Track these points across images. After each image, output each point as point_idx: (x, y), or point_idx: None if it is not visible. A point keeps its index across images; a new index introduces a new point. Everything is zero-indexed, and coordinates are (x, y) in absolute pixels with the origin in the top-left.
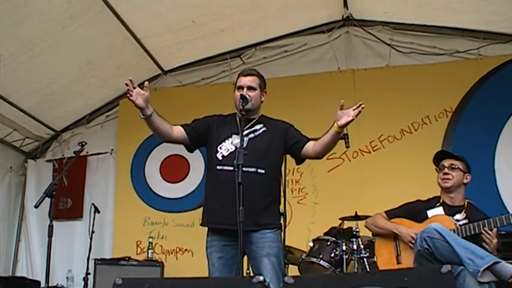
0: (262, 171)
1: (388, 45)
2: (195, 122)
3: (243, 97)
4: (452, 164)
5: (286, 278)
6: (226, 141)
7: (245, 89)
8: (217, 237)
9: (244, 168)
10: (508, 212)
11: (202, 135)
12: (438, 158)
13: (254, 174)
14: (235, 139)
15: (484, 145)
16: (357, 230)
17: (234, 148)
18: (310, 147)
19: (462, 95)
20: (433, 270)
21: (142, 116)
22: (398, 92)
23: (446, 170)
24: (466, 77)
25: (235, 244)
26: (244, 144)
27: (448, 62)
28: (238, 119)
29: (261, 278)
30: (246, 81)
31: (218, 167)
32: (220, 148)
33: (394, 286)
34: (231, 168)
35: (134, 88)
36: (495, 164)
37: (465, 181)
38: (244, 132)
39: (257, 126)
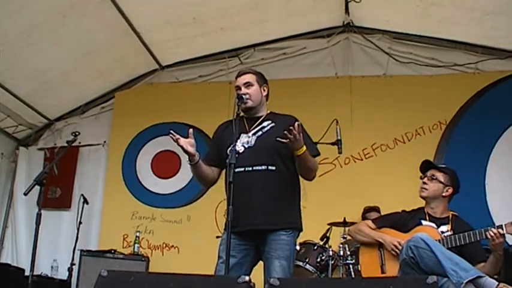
0: (273, 167)
1: (387, 53)
2: (210, 149)
3: (239, 97)
4: (432, 175)
5: (271, 279)
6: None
7: (242, 88)
8: (232, 236)
9: (254, 167)
10: (495, 225)
11: (221, 151)
12: (424, 168)
13: (265, 172)
14: (244, 138)
15: (476, 160)
16: (345, 236)
17: (243, 148)
18: None
19: (457, 108)
20: (418, 280)
21: (190, 163)
22: (394, 101)
23: (425, 180)
24: (463, 90)
25: (247, 245)
26: (252, 143)
27: (446, 74)
28: (244, 119)
29: (247, 278)
30: (241, 80)
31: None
32: (229, 153)
33: None
34: (242, 169)
35: (178, 139)
36: (486, 179)
37: (444, 194)
38: (253, 131)
39: (265, 123)
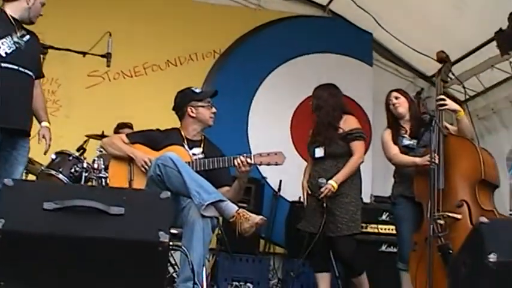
0: (34, 76)
1: None
2: None
3: None
4: None
5: (6, 180)
6: (7, 37)
7: None
8: None
9: (23, 70)
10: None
11: None
12: (212, 94)
13: (29, 78)
14: (15, 38)
15: (244, 92)
16: (101, 149)
17: (15, 47)
18: None
19: (233, 40)
20: (152, 194)
21: None
22: (173, 23)
23: (214, 110)
24: (241, 24)
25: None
26: (23, 46)
27: (228, 5)
28: (11, 18)
29: None
30: None
31: (3, 65)
32: (2, 44)
33: (110, 203)
34: (16, 67)
35: None
36: (250, 111)
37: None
38: (20, 34)
39: (24, 31)
